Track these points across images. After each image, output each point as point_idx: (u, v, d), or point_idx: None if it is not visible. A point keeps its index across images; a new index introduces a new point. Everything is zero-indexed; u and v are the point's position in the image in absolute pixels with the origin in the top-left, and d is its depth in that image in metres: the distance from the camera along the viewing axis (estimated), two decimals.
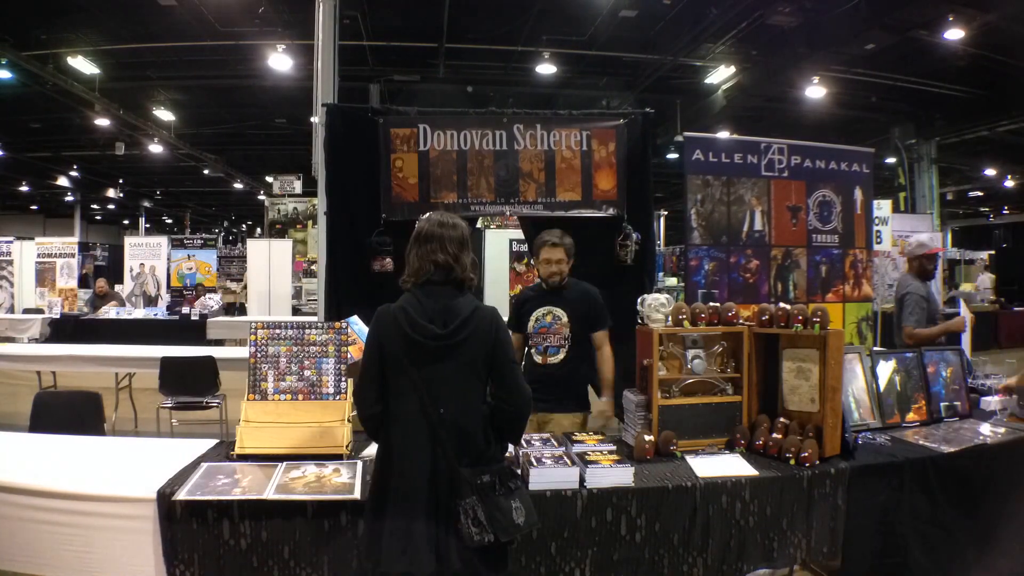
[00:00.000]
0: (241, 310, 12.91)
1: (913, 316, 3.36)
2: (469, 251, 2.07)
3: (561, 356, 3.28)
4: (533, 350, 3.32)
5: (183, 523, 2.11)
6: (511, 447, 2.37)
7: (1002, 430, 3.01)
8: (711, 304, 2.84)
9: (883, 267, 9.71)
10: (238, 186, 20.53)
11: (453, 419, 1.93)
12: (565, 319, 3.29)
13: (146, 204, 25.04)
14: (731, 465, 2.50)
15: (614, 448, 2.53)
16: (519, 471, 2.11)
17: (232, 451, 2.52)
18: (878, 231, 7.89)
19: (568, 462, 2.34)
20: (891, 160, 14.21)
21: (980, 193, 21.69)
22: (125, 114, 11.86)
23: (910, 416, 3.14)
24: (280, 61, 9.37)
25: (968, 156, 15.76)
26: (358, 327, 2.95)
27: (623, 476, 2.30)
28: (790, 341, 2.74)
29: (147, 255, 13.00)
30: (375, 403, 1.98)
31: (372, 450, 2.61)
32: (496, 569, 1.93)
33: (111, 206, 25.58)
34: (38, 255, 12.46)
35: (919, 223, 11.50)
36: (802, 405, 2.69)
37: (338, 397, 2.66)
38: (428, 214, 2.14)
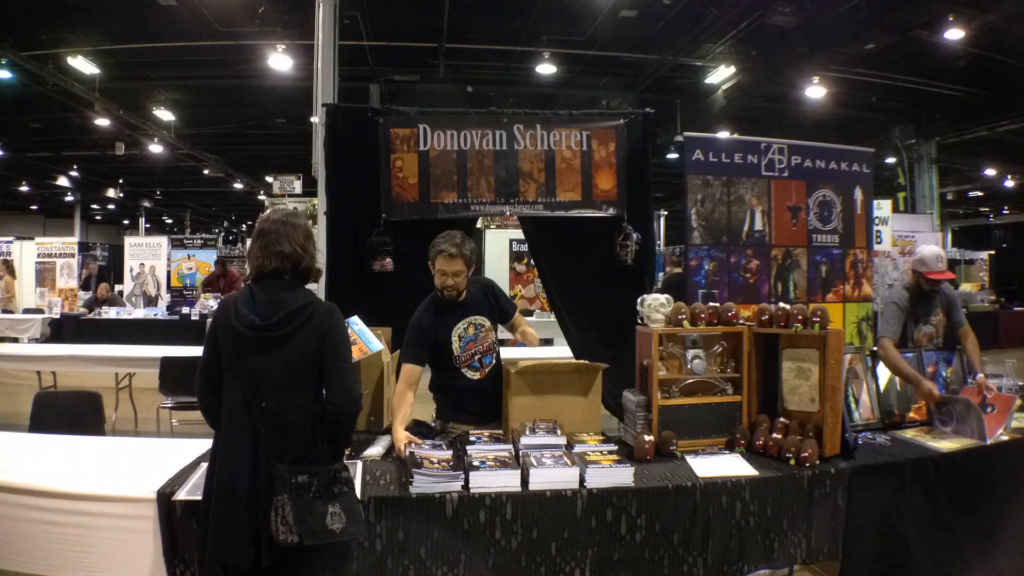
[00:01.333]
0: None
1: (890, 327, 3.30)
2: (312, 241, 2.05)
3: (494, 361, 3.00)
4: (466, 369, 2.93)
5: (183, 523, 2.11)
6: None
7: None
8: (711, 304, 2.84)
9: (883, 267, 9.71)
10: (238, 186, 20.53)
11: (275, 414, 1.89)
12: (487, 324, 3.00)
13: (146, 204, 25.03)
14: (731, 465, 2.50)
15: (614, 448, 2.53)
16: (349, 476, 1.98)
17: None
18: (878, 231, 7.90)
19: (568, 462, 2.34)
20: (891, 160, 14.20)
21: (980, 193, 21.69)
22: (125, 114, 11.86)
23: (910, 416, 3.14)
24: (280, 61, 9.37)
25: (968, 156, 15.75)
26: (358, 327, 2.95)
27: (623, 476, 2.30)
28: (790, 341, 2.74)
29: (147, 255, 13.01)
30: (208, 394, 1.99)
31: (372, 450, 2.61)
32: (308, 572, 1.90)
33: (111, 206, 25.57)
34: (38, 255, 12.47)
35: (919, 223, 11.51)
36: (802, 405, 2.69)
37: None
38: (269, 210, 2.14)
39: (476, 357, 2.96)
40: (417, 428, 2.77)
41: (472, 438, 2.61)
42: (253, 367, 1.90)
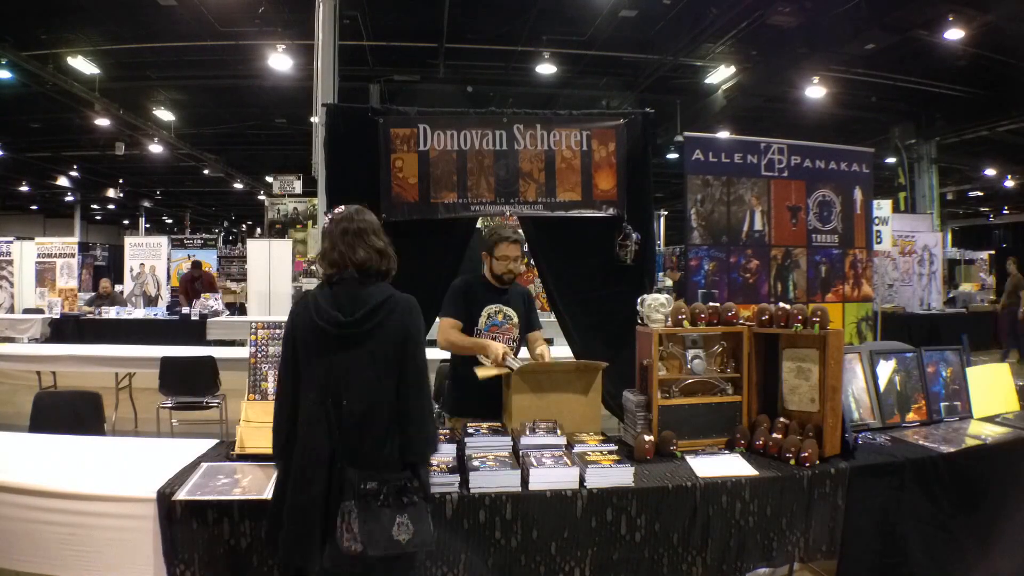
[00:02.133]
0: (241, 310, 12.91)
1: None
2: (382, 236, 2.00)
3: None
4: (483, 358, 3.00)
5: (183, 523, 2.11)
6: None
7: (1002, 430, 3.01)
8: (711, 304, 2.84)
9: (883, 267, 9.71)
10: (238, 186, 20.54)
11: (354, 413, 1.84)
12: (516, 319, 3.16)
13: (146, 204, 25.05)
14: (731, 465, 2.50)
15: (614, 448, 2.53)
16: (419, 484, 1.88)
17: (232, 451, 2.52)
18: (878, 231, 7.89)
19: (568, 462, 2.34)
20: (891, 160, 14.21)
21: (980, 193, 21.70)
22: (125, 114, 11.87)
23: (910, 416, 3.14)
24: (280, 61, 9.38)
25: (968, 156, 15.76)
26: None
27: (623, 476, 2.30)
28: (790, 341, 2.74)
29: (147, 255, 13.01)
30: (289, 396, 1.95)
31: None
32: None
33: (111, 206, 25.59)
34: (38, 255, 12.47)
35: (919, 223, 11.52)
36: (802, 405, 2.69)
37: None
38: (341, 208, 2.04)
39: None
40: None
41: (470, 430, 2.61)
42: (334, 365, 1.86)
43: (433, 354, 5.45)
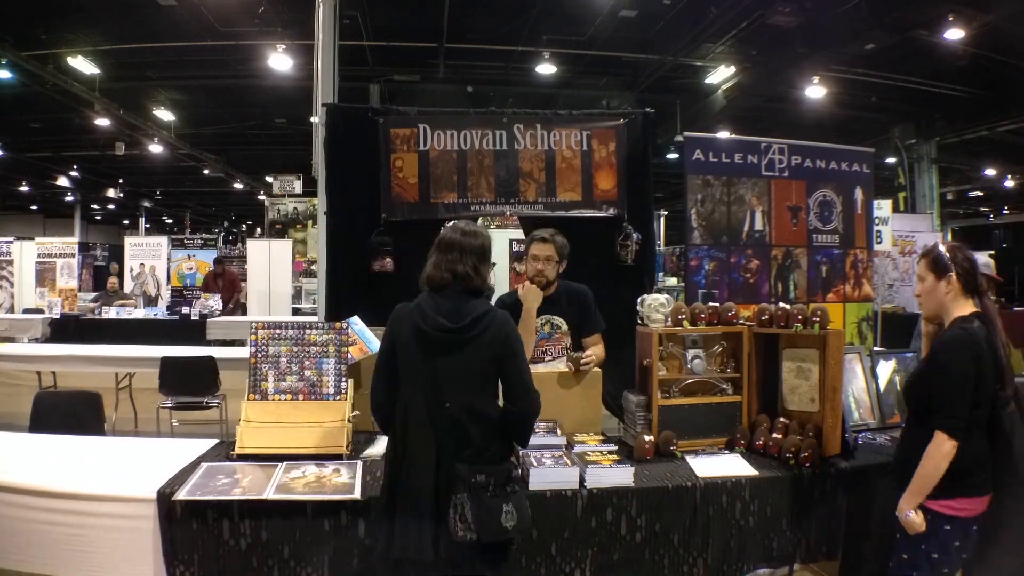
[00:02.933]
0: (242, 310, 12.91)
1: None
2: (488, 261, 2.13)
3: None
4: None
5: (183, 523, 2.12)
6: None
7: None
8: (711, 304, 2.84)
9: (883, 267, 9.71)
10: (238, 186, 20.53)
11: (457, 414, 1.96)
12: (564, 327, 3.06)
13: (146, 204, 25.04)
14: (731, 465, 2.50)
15: (614, 448, 2.53)
16: (520, 474, 2.10)
17: (232, 451, 2.52)
18: (878, 231, 7.88)
19: (568, 462, 2.34)
20: (891, 160, 14.20)
21: (980, 193, 21.68)
22: (125, 114, 11.86)
23: None
24: (280, 61, 9.37)
25: (968, 156, 15.75)
26: (358, 327, 2.95)
27: (623, 476, 2.30)
28: (790, 341, 2.74)
29: (147, 255, 13.00)
30: (385, 395, 2.05)
31: (372, 450, 2.61)
32: (489, 567, 1.97)
33: (111, 206, 25.57)
34: (38, 255, 12.46)
35: (919, 223, 11.50)
36: (802, 405, 2.69)
37: (338, 397, 2.66)
38: (453, 222, 2.21)
39: (545, 356, 3.03)
40: None
41: None
42: (439, 369, 1.98)
43: None
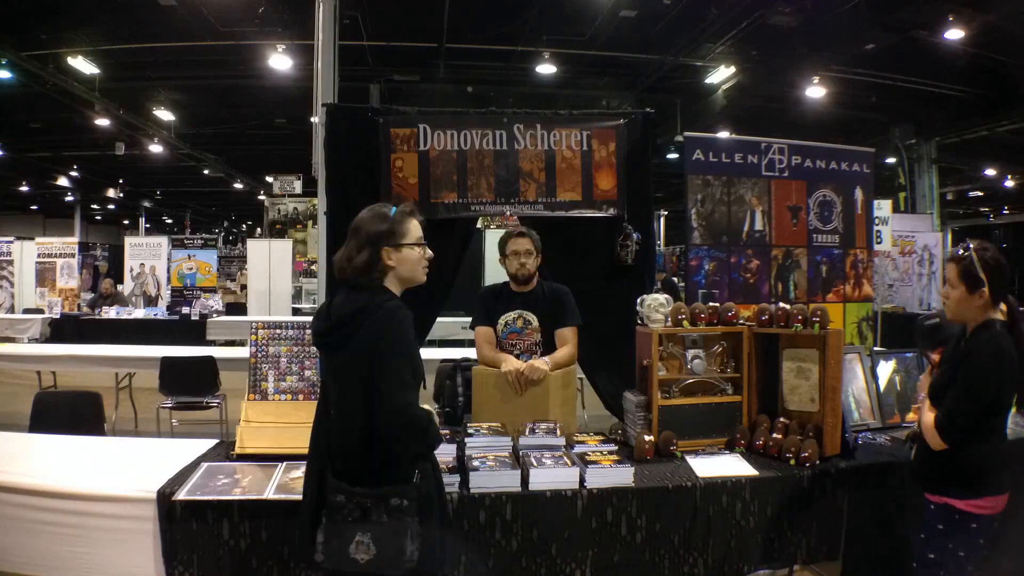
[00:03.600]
0: (241, 310, 12.92)
1: None
2: (381, 246, 1.85)
3: None
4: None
5: (183, 523, 2.11)
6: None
7: None
8: (711, 304, 2.84)
9: (883, 267, 9.71)
10: (238, 186, 20.53)
11: (337, 422, 1.81)
12: (535, 323, 3.08)
13: (146, 204, 25.04)
14: (731, 465, 2.50)
15: (614, 448, 2.53)
16: (403, 503, 1.70)
17: (232, 451, 2.52)
18: (878, 231, 7.89)
19: (568, 462, 2.34)
20: (891, 160, 14.20)
21: (980, 193, 21.68)
22: (125, 114, 11.86)
23: (910, 416, 3.14)
24: (280, 61, 9.38)
25: (968, 156, 15.73)
26: None
27: (623, 476, 2.29)
28: (790, 341, 2.74)
29: (147, 255, 13.00)
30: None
31: None
32: None
33: (111, 206, 25.57)
34: (38, 255, 12.47)
35: (919, 223, 11.51)
36: (802, 405, 2.69)
37: None
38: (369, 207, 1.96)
39: (515, 352, 3.03)
40: None
41: (471, 430, 2.61)
42: (327, 372, 1.90)
43: (431, 354, 5.47)
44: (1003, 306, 2.16)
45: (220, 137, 15.15)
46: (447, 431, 2.62)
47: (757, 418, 2.77)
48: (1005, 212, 25.10)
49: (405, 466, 1.75)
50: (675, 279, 13.16)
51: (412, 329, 1.82)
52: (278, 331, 2.70)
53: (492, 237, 10.78)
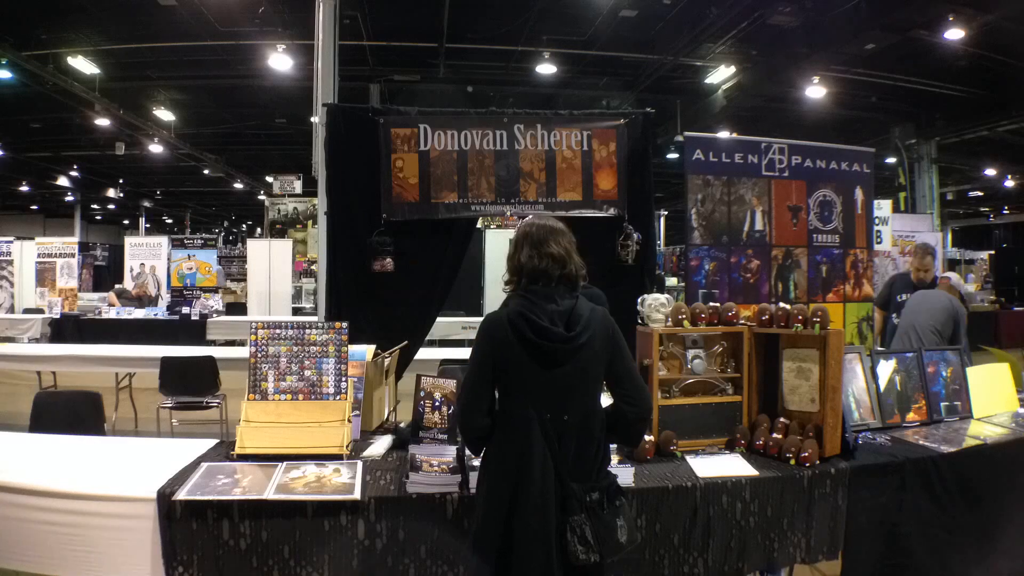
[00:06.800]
0: (241, 310, 12.92)
1: None
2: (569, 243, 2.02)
3: None
4: None
5: (183, 523, 2.11)
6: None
7: (1002, 430, 3.01)
8: (711, 304, 2.84)
9: (883, 267, 9.71)
10: (238, 186, 20.54)
11: (575, 427, 1.86)
12: None
13: (146, 204, 25.06)
14: (731, 465, 2.49)
15: (614, 448, 2.52)
16: (620, 484, 1.96)
17: (232, 451, 2.52)
18: (878, 231, 7.90)
19: None
20: (891, 160, 14.22)
21: (980, 193, 21.70)
22: (125, 114, 11.87)
23: (910, 416, 3.14)
24: (280, 61, 9.38)
25: (968, 156, 15.75)
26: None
27: (623, 476, 2.29)
28: (790, 341, 2.74)
29: (147, 255, 13.00)
30: (484, 416, 1.91)
31: (372, 450, 2.61)
32: None
33: (111, 206, 25.60)
34: (38, 255, 12.46)
35: (919, 223, 11.51)
36: (802, 405, 2.69)
37: (338, 397, 2.66)
38: (528, 218, 2.06)
39: None
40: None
41: None
42: (553, 381, 1.86)
43: (431, 354, 5.45)
44: None
45: (220, 137, 15.16)
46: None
47: (757, 418, 2.77)
48: (1005, 212, 25.13)
49: (627, 444, 2.09)
50: (661, 273, 13.13)
51: None
52: (278, 331, 2.70)
53: (492, 237, 10.78)
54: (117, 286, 11.32)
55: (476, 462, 2.31)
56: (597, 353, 1.89)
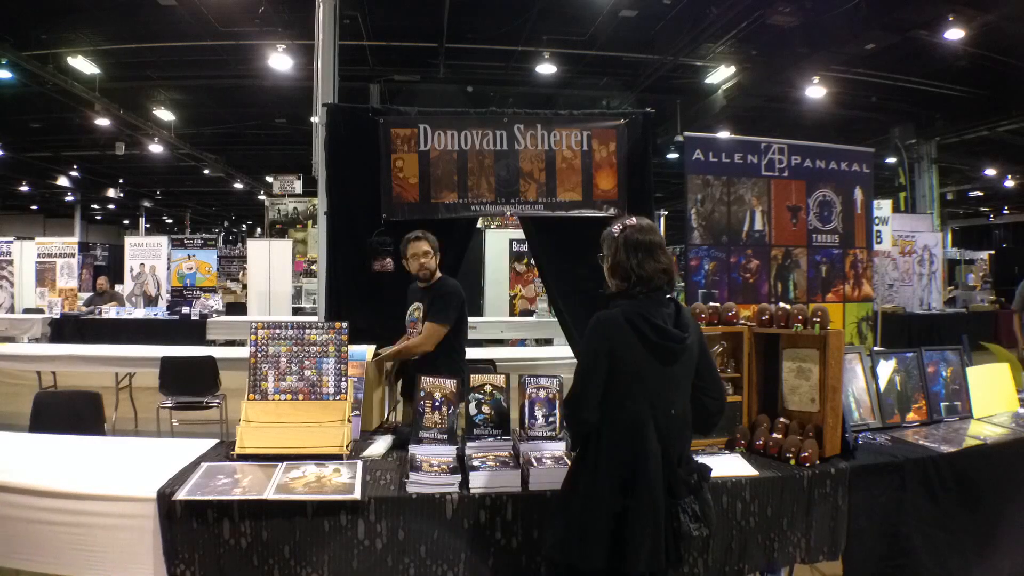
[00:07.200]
0: (241, 310, 12.92)
1: None
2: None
3: None
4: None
5: (183, 523, 2.11)
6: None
7: (1002, 430, 3.01)
8: (711, 304, 2.84)
9: (883, 267, 9.72)
10: (238, 186, 20.54)
11: (681, 420, 2.01)
12: (421, 316, 3.42)
13: (146, 204, 25.05)
14: (731, 465, 2.50)
15: None
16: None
17: (232, 451, 2.52)
18: (878, 231, 7.89)
19: (568, 462, 2.34)
20: (891, 160, 14.22)
21: (980, 193, 21.70)
22: (125, 114, 11.87)
23: (910, 416, 3.14)
24: (280, 61, 9.38)
25: (968, 156, 15.75)
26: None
27: None
28: (790, 341, 2.74)
29: (147, 255, 12.98)
30: (595, 409, 1.96)
31: (372, 450, 2.61)
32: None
33: (111, 206, 25.59)
34: (38, 255, 12.45)
35: (919, 223, 11.52)
36: (802, 405, 2.69)
37: (338, 397, 2.66)
38: (631, 220, 2.15)
39: (412, 336, 3.44)
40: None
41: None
42: (666, 378, 1.98)
43: None
44: None
45: (220, 137, 15.16)
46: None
47: (757, 418, 2.77)
48: (1005, 212, 25.13)
49: (704, 434, 2.26)
50: None
51: None
52: (278, 331, 2.70)
53: (492, 237, 10.78)
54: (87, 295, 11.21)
55: (476, 461, 2.32)
56: (695, 352, 2.05)
